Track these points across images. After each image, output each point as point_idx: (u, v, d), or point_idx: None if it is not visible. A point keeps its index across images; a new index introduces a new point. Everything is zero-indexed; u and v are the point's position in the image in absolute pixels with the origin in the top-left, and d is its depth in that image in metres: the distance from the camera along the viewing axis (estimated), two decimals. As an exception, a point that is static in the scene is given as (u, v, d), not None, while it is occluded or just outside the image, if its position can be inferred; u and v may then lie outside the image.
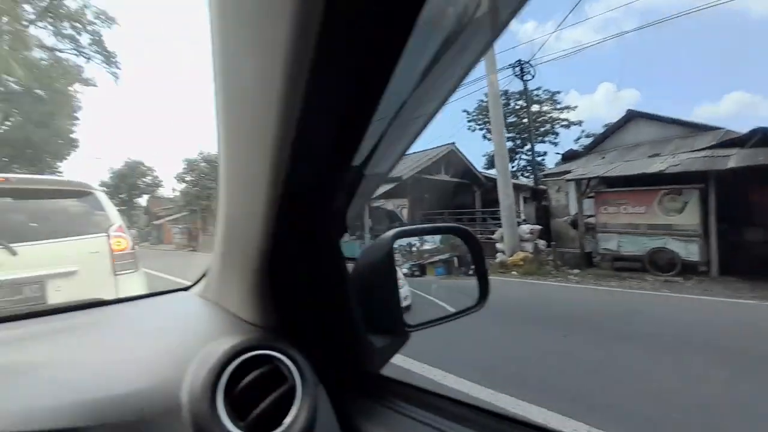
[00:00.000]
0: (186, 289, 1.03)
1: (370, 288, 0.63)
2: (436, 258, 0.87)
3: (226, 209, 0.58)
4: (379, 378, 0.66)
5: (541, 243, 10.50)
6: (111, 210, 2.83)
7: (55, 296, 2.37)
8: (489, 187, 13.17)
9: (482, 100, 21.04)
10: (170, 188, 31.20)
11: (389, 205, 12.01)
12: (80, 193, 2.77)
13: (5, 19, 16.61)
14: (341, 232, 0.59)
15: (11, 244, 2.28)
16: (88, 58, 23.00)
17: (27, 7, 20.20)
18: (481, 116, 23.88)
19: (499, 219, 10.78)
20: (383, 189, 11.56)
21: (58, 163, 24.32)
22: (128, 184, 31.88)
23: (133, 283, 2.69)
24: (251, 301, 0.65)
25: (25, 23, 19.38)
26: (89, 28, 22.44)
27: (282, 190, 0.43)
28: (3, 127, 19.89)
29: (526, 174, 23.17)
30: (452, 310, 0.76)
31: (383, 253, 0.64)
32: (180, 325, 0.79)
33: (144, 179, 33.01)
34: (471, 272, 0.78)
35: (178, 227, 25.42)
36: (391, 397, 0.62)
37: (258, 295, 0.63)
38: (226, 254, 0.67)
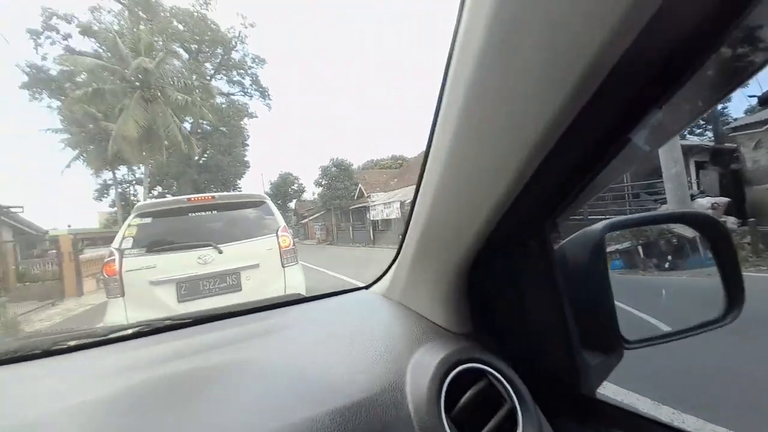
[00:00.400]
0: (367, 287, 1.05)
1: (579, 293, 0.53)
2: (612, 248, 0.71)
3: (429, 212, 0.55)
4: (595, 402, 0.57)
5: (731, 220, 7.91)
6: (277, 214, 3.37)
7: (246, 283, 2.96)
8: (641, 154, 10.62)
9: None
10: (311, 192, 36.92)
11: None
12: (257, 203, 3.38)
13: (195, 76, 22.70)
14: (551, 233, 0.53)
15: (219, 245, 2.92)
16: (251, 96, 29.63)
17: (207, 65, 27.31)
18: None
19: (658, 194, 8.61)
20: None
21: (238, 181, 31.97)
22: (282, 192, 39.20)
23: (295, 273, 3.19)
24: (448, 306, 0.64)
25: (208, 78, 26.24)
26: (249, 71, 28.86)
27: (504, 194, 0.42)
28: (203, 158, 27.24)
29: (699, 131, 17.66)
30: (647, 317, 0.61)
31: (591, 249, 0.55)
32: (374, 326, 0.77)
33: (292, 186, 39.98)
34: (712, 272, 0.60)
35: (317, 225, 29.83)
36: (611, 427, 0.53)
37: (456, 300, 0.62)
38: (420, 257, 0.66)
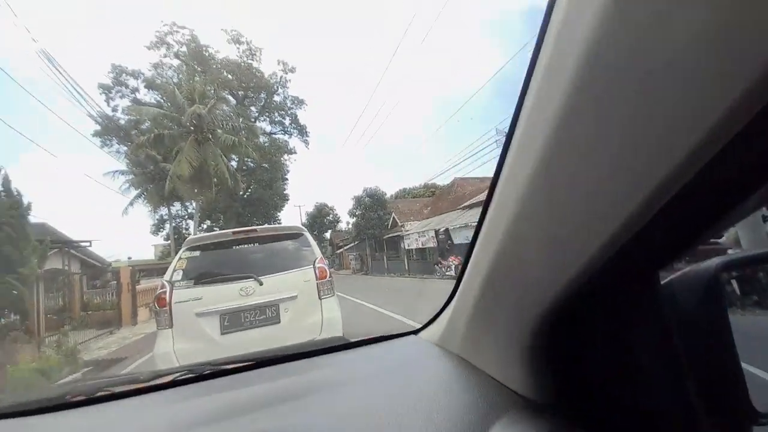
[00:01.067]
0: (415, 332, 0.99)
1: (691, 351, 0.43)
2: None
3: (500, 252, 0.48)
4: None
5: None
6: (314, 245, 3.40)
7: (285, 315, 2.96)
8: None
9: None
10: (345, 222, 37.75)
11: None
12: (296, 234, 3.44)
13: (241, 119, 24.85)
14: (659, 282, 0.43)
15: (260, 277, 2.94)
16: (291, 135, 31.84)
17: (252, 108, 29.91)
18: None
19: None
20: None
21: (278, 214, 33.55)
22: (318, 222, 40.46)
23: (332, 306, 3.16)
24: (525, 368, 0.54)
25: (252, 120, 28.64)
26: (289, 112, 31.23)
27: (612, 236, 0.34)
28: (247, 193, 29.10)
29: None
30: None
31: (705, 293, 0.44)
32: (434, 385, 0.68)
33: (327, 217, 41.17)
34: None
35: (352, 255, 30.13)
36: None
37: (536, 361, 0.53)
38: (486, 305, 0.58)
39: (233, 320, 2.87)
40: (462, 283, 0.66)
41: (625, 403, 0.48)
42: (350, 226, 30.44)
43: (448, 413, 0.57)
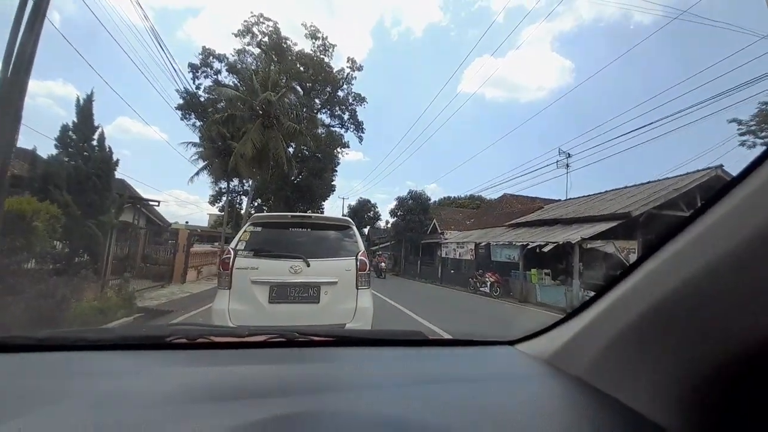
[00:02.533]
0: (510, 343, 0.93)
1: None
2: None
3: (686, 287, 0.43)
4: None
5: None
6: (359, 239, 3.60)
7: (324, 297, 3.18)
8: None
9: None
10: (384, 221, 37.98)
11: (609, 247, 9.72)
12: (344, 226, 3.68)
13: (305, 109, 26.09)
14: None
15: (308, 259, 3.18)
16: (347, 129, 32.84)
17: (317, 100, 31.30)
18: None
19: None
20: (601, 227, 9.56)
21: (323, 203, 34.82)
22: (358, 216, 41.22)
23: (366, 296, 3.32)
24: (683, 403, 0.49)
25: (315, 111, 29.98)
26: (350, 108, 32.24)
27: None
28: (298, 179, 30.52)
29: None
30: None
31: None
32: (537, 395, 0.65)
33: (368, 213, 41.77)
34: None
35: (386, 254, 30.26)
36: None
37: (699, 400, 0.47)
38: (639, 330, 0.52)
39: (280, 293, 3.14)
40: (606, 304, 0.61)
41: None
42: (389, 225, 30.59)
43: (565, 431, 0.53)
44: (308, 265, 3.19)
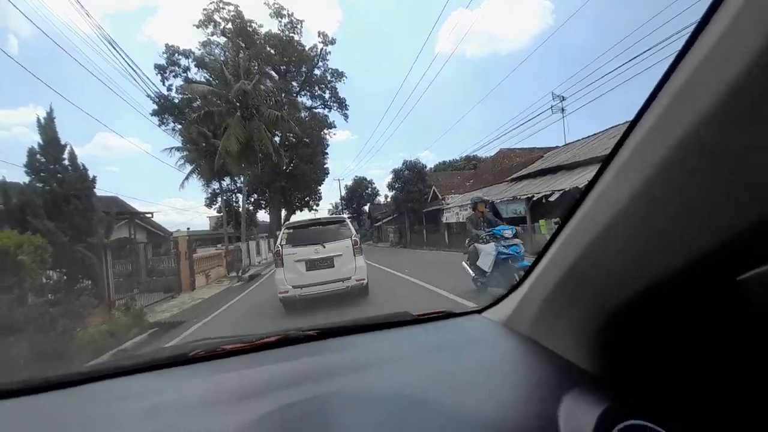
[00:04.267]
0: (479, 311, 1.04)
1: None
2: None
3: (599, 237, 0.49)
4: None
5: None
6: (351, 227, 6.22)
7: (336, 263, 5.70)
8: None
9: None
10: (383, 195, 37.69)
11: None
12: (342, 221, 6.42)
13: (284, 94, 25.07)
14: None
15: (324, 243, 5.72)
16: (330, 108, 31.69)
17: (294, 83, 30.00)
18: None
19: None
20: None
21: (319, 187, 34.36)
22: (356, 195, 40.90)
23: (361, 260, 5.84)
24: (600, 350, 0.58)
25: (294, 94, 28.82)
26: (329, 85, 30.92)
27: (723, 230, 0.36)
28: (289, 167, 29.89)
29: None
30: None
31: None
32: (502, 361, 0.74)
33: (366, 191, 41.38)
34: None
35: (390, 227, 30.22)
36: None
37: (612, 345, 0.56)
38: (569, 289, 0.60)
39: (311, 264, 5.71)
40: (540, 269, 0.68)
41: (710, 405, 0.50)
42: (389, 199, 30.32)
43: (518, 388, 0.63)
44: (324, 247, 5.78)
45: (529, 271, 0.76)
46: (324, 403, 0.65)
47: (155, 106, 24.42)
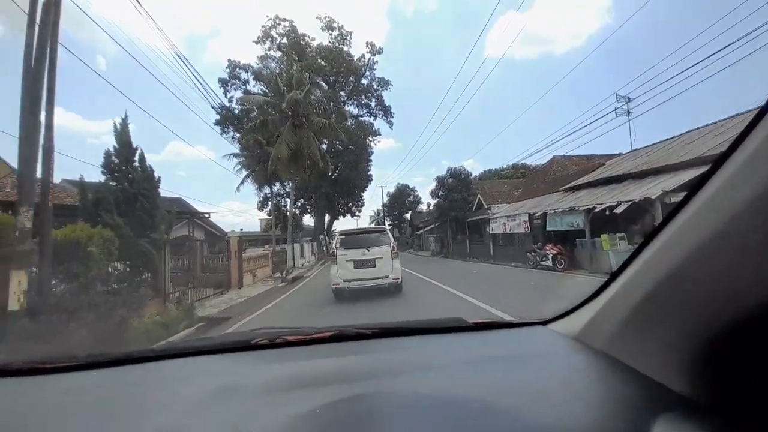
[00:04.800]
0: (543, 323, 1.00)
1: None
2: None
3: (690, 258, 0.46)
4: None
5: None
6: (390, 235, 7.84)
7: (378, 263, 7.13)
8: None
9: None
10: (426, 204, 37.15)
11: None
12: (383, 230, 8.25)
13: (332, 103, 25.91)
14: None
15: (369, 248, 7.25)
16: (376, 116, 32.23)
17: (342, 93, 30.96)
18: None
19: None
20: (685, 175, 8.07)
21: (362, 193, 34.88)
22: (399, 203, 40.85)
23: (397, 262, 7.28)
24: (690, 369, 0.53)
25: (342, 103, 29.71)
26: (376, 94, 31.49)
27: None
28: (335, 174, 30.69)
29: None
30: None
31: None
32: (573, 377, 0.69)
33: (408, 198, 41.17)
34: None
35: (432, 236, 29.57)
36: None
37: (704, 365, 0.51)
38: (655, 307, 0.56)
39: (358, 264, 7.10)
40: (622, 281, 0.65)
41: None
42: (432, 207, 29.74)
43: (600, 405, 0.58)
44: (368, 251, 7.23)
45: (605, 284, 0.72)
46: (375, 401, 0.64)
47: (218, 117, 26.55)
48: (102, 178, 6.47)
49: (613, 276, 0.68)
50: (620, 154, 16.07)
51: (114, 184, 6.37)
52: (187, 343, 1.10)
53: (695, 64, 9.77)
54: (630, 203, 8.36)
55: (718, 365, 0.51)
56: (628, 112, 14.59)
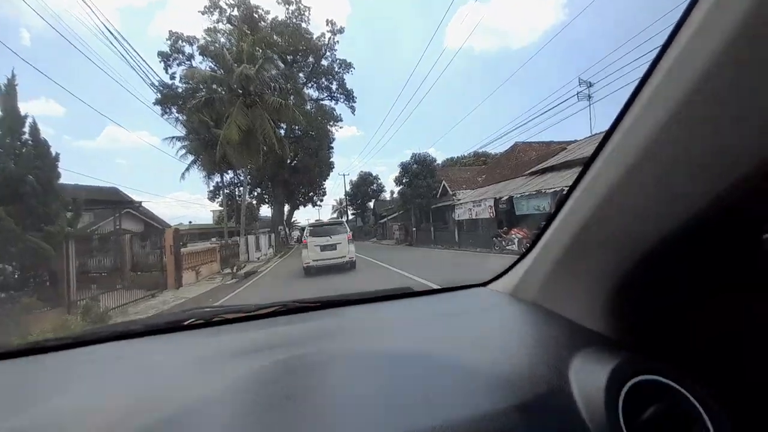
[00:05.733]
0: (483, 284, 1.06)
1: None
2: None
3: (599, 205, 0.52)
4: None
5: None
6: (347, 226, 10.85)
7: (338, 247, 9.81)
8: None
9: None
10: (389, 192, 36.63)
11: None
12: (341, 223, 11.28)
13: (289, 83, 24.08)
14: None
15: (331, 235, 9.95)
16: (337, 100, 30.58)
17: (300, 74, 28.96)
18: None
19: None
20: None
21: (323, 182, 33.39)
22: (361, 191, 39.89)
23: (352, 246, 10.08)
24: (610, 311, 0.60)
25: (300, 85, 27.77)
26: (337, 77, 29.80)
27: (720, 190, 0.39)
28: (294, 161, 28.92)
29: None
30: None
31: None
32: (510, 326, 0.75)
33: (371, 186, 40.33)
34: None
35: (396, 225, 29.15)
36: None
37: (621, 305, 0.58)
38: (573, 255, 0.63)
39: (324, 247, 9.74)
40: (545, 238, 0.70)
41: (731, 351, 0.51)
42: (396, 195, 29.20)
43: (529, 348, 0.63)
44: (331, 238, 9.84)
45: (533, 243, 0.77)
46: (314, 360, 0.63)
47: (157, 96, 23.53)
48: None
49: (539, 235, 0.73)
50: (576, 141, 16.46)
51: (-10, 161, 4.83)
52: (112, 327, 0.98)
53: (643, 55, 9.87)
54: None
55: (627, 301, 0.57)
56: (589, 96, 14.80)
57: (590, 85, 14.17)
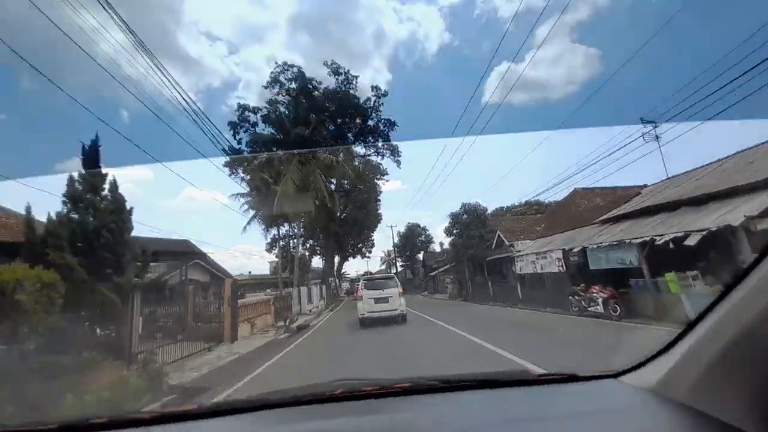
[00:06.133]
0: (614, 376, 0.94)
1: None
2: None
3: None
4: None
5: None
6: (397, 280, 11.84)
7: (390, 300, 10.88)
8: None
9: None
10: (438, 243, 35.57)
11: None
12: (392, 277, 12.56)
13: (339, 140, 25.75)
14: None
15: (384, 289, 11.10)
16: (383, 156, 32.12)
17: (349, 134, 31.38)
18: None
19: None
20: None
21: (372, 234, 33.67)
22: (410, 243, 39.33)
23: (403, 300, 11.13)
24: None
25: (349, 143, 29.91)
26: (382, 134, 31.62)
27: None
28: (344, 214, 29.81)
29: None
30: None
31: None
32: (645, 428, 0.67)
33: (420, 238, 39.70)
34: None
35: (448, 278, 27.62)
36: None
37: None
38: (741, 348, 0.54)
39: (377, 300, 10.92)
40: (706, 324, 0.63)
41: None
42: (446, 246, 28.12)
43: None
44: (383, 291, 11.03)
45: (684, 331, 0.70)
46: None
47: (227, 159, 26.38)
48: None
49: (693, 323, 0.66)
50: (645, 185, 14.76)
51: (76, 216, 5.22)
52: (256, 398, 1.03)
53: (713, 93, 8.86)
54: (705, 232, 6.84)
55: None
56: (657, 137, 13.48)
57: (655, 125, 12.96)
